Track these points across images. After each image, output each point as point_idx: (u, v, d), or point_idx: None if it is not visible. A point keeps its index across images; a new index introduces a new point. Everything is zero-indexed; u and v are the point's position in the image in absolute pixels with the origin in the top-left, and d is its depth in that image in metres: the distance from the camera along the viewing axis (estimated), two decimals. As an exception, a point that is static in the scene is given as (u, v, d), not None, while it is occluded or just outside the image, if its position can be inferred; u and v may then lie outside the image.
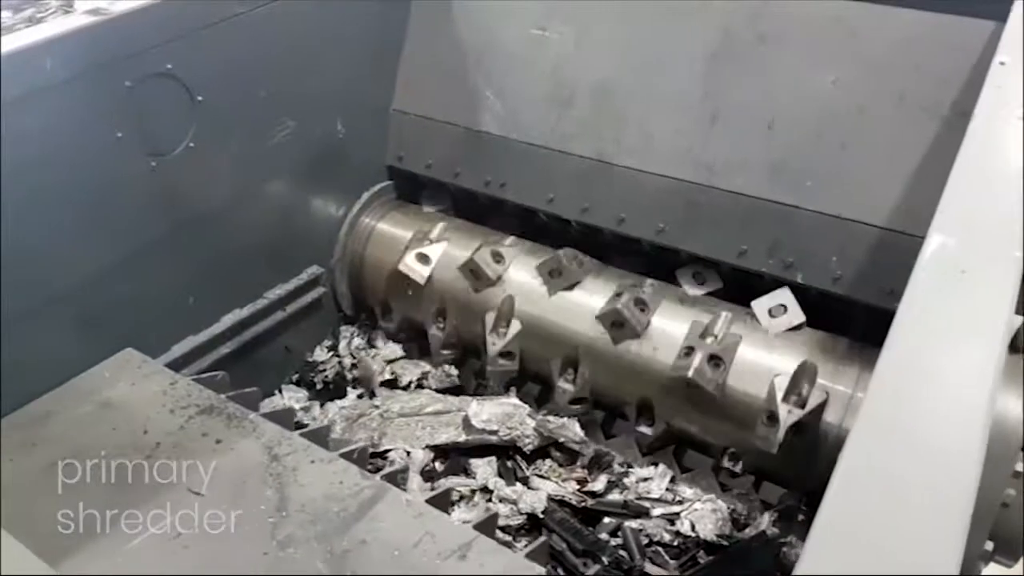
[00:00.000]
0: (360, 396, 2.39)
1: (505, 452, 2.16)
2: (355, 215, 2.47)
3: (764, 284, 2.05)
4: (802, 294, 2.00)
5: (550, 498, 2.01)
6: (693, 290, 2.15)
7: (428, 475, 2.12)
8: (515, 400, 2.17)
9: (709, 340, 1.96)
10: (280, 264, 2.32)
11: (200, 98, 1.89)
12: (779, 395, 1.83)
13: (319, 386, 2.43)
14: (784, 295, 1.99)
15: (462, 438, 2.15)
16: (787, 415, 1.81)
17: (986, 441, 0.85)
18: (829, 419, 1.84)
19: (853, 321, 1.97)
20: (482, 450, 2.15)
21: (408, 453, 2.14)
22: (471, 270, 2.23)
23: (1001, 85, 1.30)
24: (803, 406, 1.82)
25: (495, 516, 1.88)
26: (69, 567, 1.38)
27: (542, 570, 1.42)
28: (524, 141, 2.32)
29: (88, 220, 1.74)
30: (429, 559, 1.43)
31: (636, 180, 2.17)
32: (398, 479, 1.79)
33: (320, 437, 1.83)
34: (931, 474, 0.81)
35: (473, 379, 2.40)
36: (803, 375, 1.86)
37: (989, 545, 1.60)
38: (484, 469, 2.10)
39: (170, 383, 1.82)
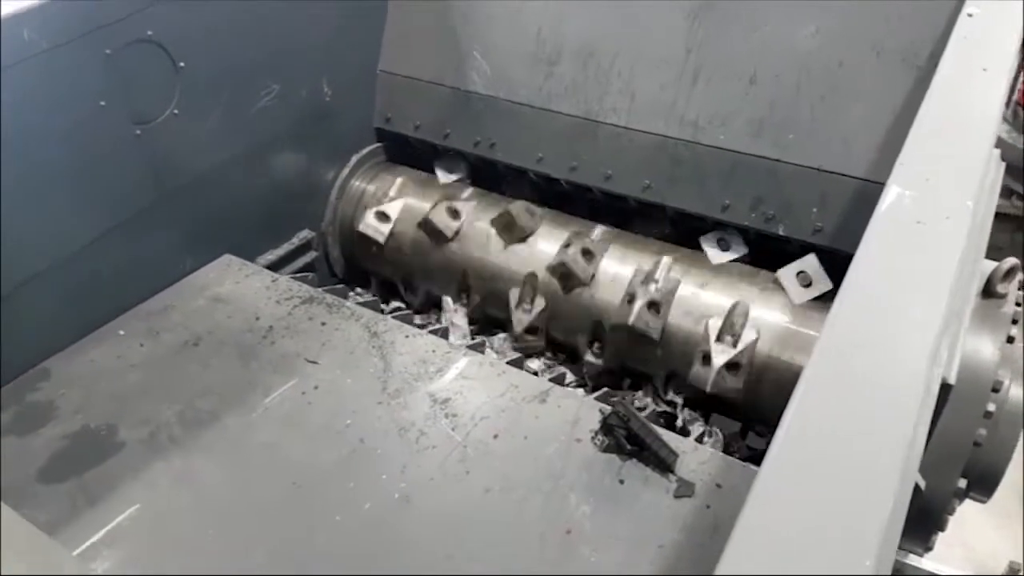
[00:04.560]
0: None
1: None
2: (345, 178, 2.49)
3: (790, 248, 2.04)
4: (783, 245, 2.03)
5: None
6: (718, 257, 2.13)
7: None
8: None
9: (651, 287, 2.04)
10: (271, 229, 2.34)
11: (182, 64, 1.89)
12: (712, 336, 1.93)
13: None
14: (809, 262, 1.97)
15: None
16: (719, 354, 1.91)
17: (929, 384, 0.89)
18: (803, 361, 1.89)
19: (835, 271, 2.00)
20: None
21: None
22: (428, 230, 2.31)
23: (967, 36, 1.30)
24: (736, 345, 1.91)
25: (564, 374, 2.19)
26: (217, 428, 1.66)
27: (608, 408, 1.67)
28: (511, 100, 2.33)
29: (75, 190, 1.76)
30: (516, 403, 1.72)
31: (622, 137, 2.19)
32: (480, 349, 2.10)
33: (408, 319, 2.13)
34: (874, 414, 0.84)
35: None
36: (735, 314, 1.93)
37: (963, 483, 1.66)
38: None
39: (272, 280, 2.10)
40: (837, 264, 1.98)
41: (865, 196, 1.87)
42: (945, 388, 1.32)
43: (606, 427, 1.62)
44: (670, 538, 1.43)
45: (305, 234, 2.42)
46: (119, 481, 1.53)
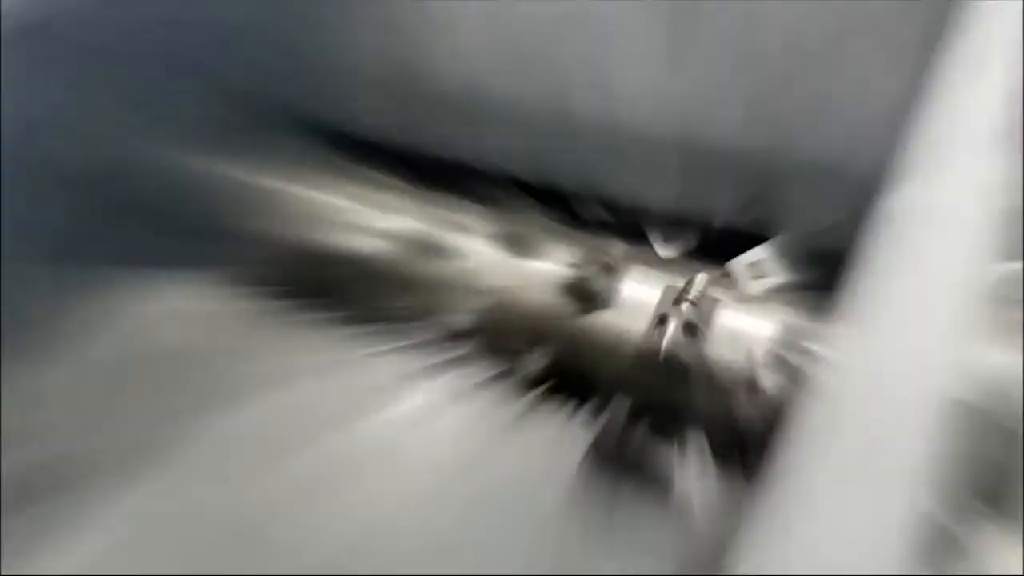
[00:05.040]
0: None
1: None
2: (301, 189, 2.32)
3: None
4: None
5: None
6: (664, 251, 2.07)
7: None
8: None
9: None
10: (222, 246, 2.16)
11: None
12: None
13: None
14: None
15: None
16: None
17: (939, 402, 0.77)
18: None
19: (836, 272, 1.91)
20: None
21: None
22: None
23: (969, 26, 1.18)
24: None
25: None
26: (181, 451, 1.58)
27: (596, 426, 1.64)
28: (484, 100, 2.19)
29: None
30: (497, 422, 1.69)
31: (603, 135, 2.08)
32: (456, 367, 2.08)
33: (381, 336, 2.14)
34: (880, 432, 0.72)
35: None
36: None
37: (982, 506, 1.56)
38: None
39: (233, 295, 2.05)
40: (838, 263, 1.88)
41: (865, 194, 1.75)
42: (962, 406, 1.21)
43: (595, 445, 1.58)
44: (666, 553, 1.40)
45: (259, 250, 2.26)
46: (77, 512, 1.46)
